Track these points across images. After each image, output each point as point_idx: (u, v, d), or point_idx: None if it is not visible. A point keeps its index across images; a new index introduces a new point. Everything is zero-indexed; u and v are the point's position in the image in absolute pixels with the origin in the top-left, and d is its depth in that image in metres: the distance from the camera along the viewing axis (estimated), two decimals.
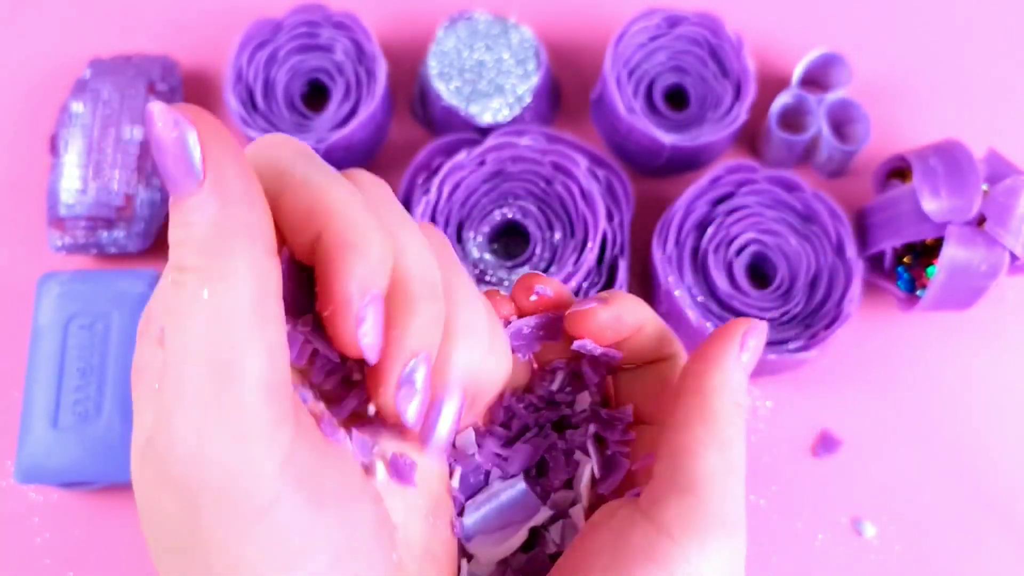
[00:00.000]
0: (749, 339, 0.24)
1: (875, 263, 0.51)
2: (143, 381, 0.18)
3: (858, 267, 0.48)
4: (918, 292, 0.49)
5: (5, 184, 0.54)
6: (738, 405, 0.24)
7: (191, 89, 0.56)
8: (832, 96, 0.53)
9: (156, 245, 0.52)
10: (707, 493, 0.22)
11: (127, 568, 0.48)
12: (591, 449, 0.25)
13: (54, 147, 0.51)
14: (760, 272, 0.51)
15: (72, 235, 0.50)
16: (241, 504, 0.17)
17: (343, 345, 0.20)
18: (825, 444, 0.50)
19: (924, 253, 0.49)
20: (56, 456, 0.45)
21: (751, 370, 0.25)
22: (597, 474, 0.25)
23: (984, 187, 0.47)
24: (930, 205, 0.46)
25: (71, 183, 0.50)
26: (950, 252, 0.46)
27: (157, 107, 0.17)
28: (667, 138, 0.50)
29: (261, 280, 0.17)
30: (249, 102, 0.51)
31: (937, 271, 0.46)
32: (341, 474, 0.19)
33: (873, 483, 0.49)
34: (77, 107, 0.51)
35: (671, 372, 0.26)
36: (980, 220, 0.47)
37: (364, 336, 0.19)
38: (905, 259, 0.50)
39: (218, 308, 0.17)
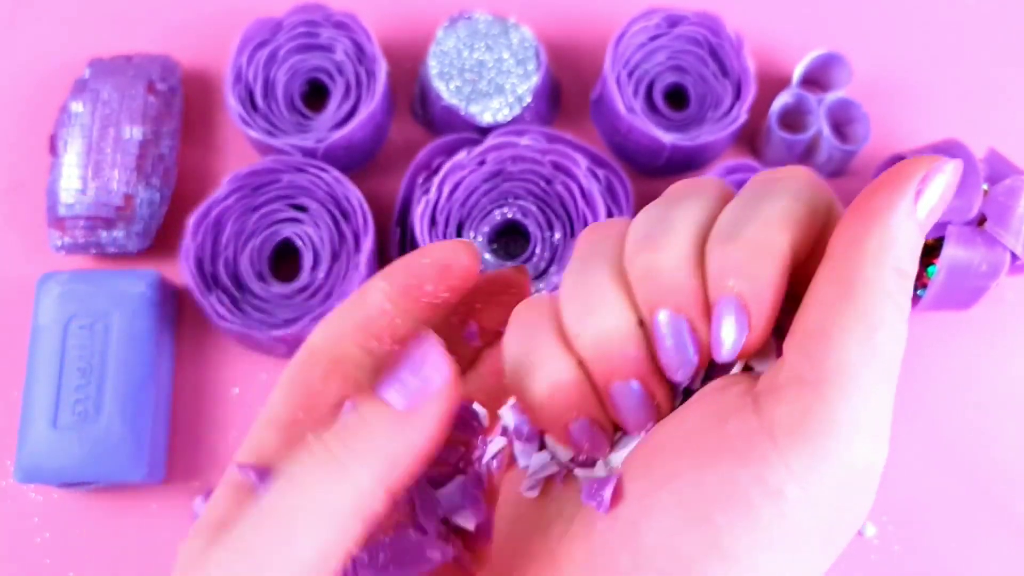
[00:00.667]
0: (930, 182, 0.18)
1: None
2: None
3: None
4: (918, 292, 0.49)
5: (5, 184, 0.54)
6: (901, 273, 0.18)
7: (191, 89, 0.56)
8: (832, 96, 0.53)
9: (155, 245, 0.52)
10: (834, 389, 0.17)
11: (127, 568, 0.47)
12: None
13: (54, 147, 0.51)
14: None
15: (72, 235, 0.50)
16: None
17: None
18: None
19: (924, 253, 0.49)
20: (56, 456, 0.45)
21: (928, 227, 0.19)
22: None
23: (984, 187, 0.47)
24: None
25: (71, 183, 0.49)
26: (950, 252, 0.46)
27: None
28: (667, 138, 0.50)
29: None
30: (249, 102, 0.51)
31: (937, 271, 0.46)
32: None
33: None
34: (77, 107, 0.51)
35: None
36: (980, 220, 0.47)
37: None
38: None
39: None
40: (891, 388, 0.18)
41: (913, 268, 0.19)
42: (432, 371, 0.18)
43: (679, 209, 0.20)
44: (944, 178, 0.18)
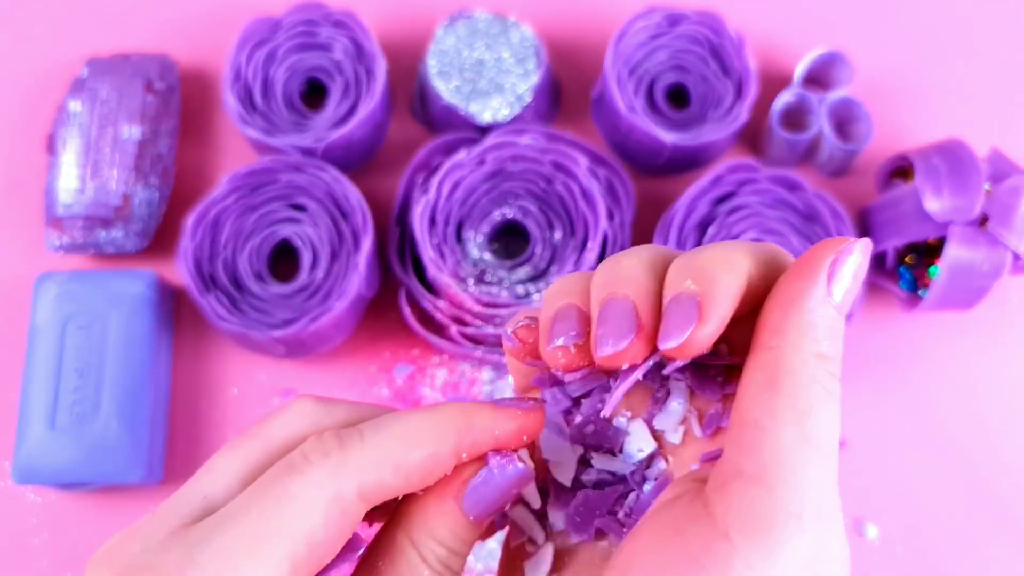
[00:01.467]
0: (840, 266, 0.19)
1: (877, 263, 0.51)
2: None
3: None
4: (920, 292, 0.49)
5: (3, 183, 0.54)
6: (823, 357, 0.19)
7: (189, 88, 0.55)
8: (834, 95, 0.53)
9: (154, 245, 0.51)
10: (775, 481, 0.18)
11: None
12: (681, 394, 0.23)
13: (51, 146, 0.51)
14: None
15: (70, 235, 0.49)
16: None
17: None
18: None
19: (926, 253, 0.49)
20: (53, 457, 0.45)
21: (848, 307, 0.19)
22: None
23: (986, 187, 0.47)
24: (933, 205, 0.46)
25: (69, 183, 0.49)
26: (953, 252, 0.45)
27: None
28: (668, 137, 0.50)
29: None
30: (248, 101, 0.51)
31: (940, 271, 0.46)
32: None
33: (875, 484, 0.49)
34: (75, 106, 0.51)
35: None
36: (983, 220, 0.46)
37: None
38: (907, 259, 0.50)
39: None
40: (831, 471, 0.19)
41: (835, 350, 0.19)
42: None
43: (643, 249, 0.22)
44: (854, 259, 0.19)
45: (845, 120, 0.54)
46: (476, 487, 0.21)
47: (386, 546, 0.21)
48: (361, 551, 0.21)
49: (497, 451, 0.21)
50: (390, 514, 0.22)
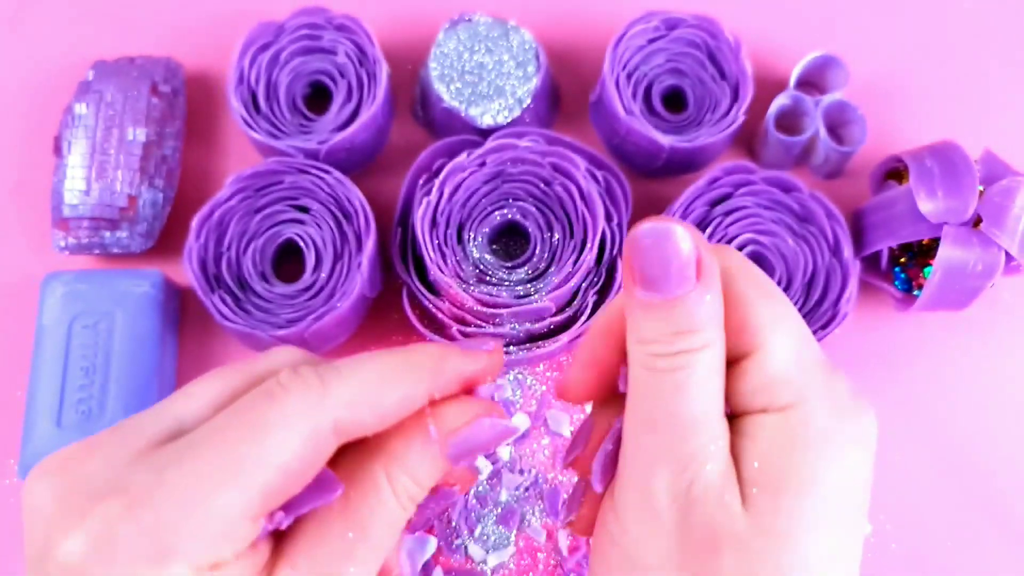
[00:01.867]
0: (633, 261, 0.22)
1: (871, 263, 0.52)
2: None
3: (855, 267, 0.49)
4: (915, 292, 0.50)
5: (9, 185, 0.54)
6: (641, 342, 0.22)
7: (194, 91, 0.56)
8: (829, 98, 0.53)
9: (159, 245, 0.52)
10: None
11: None
12: None
13: (58, 148, 0.52)
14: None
15: (76, 235, 0.50)
16: None
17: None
18: None
19: (920, 253, 0.50)
20: None
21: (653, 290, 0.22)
22: None
23: (979, 188, 0.47)
24: (926, 206, 0.47)
25: (75, 184, 0.50)
26: (946, 253, 0.46)
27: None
28: (665, 140, 0.51)
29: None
30: (251, 104, 0.52)
31: (933, 271, 0.47)
32: None
33: (873, 482, 0.50)
34: (80, 108, 0.51)
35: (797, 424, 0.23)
36: (976, 221, 0.47)
37: None
38: (902, 259, 0.50)
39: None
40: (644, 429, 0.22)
41: (652, 333, 0.22)
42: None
43: None
44: (640, 249, 0.21)
45: (840, 123, 0.54)
46: (465, 439, 0.22)
47: (359, 477, 0.22)
48: (337, 495, 0.21)
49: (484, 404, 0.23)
50: (360, 446, 0.23)
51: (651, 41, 0.53)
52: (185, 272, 0.48)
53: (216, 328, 0.51)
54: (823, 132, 0.53)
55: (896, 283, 0.50)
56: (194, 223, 0.48)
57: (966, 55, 0.58)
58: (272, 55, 0.52)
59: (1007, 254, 0.46)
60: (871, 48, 0.58)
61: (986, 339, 0.53)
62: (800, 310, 0.49)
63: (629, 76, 0.53)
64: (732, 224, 0.50)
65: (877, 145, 0.55)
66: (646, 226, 0.21)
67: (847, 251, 0.49)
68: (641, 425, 0.21)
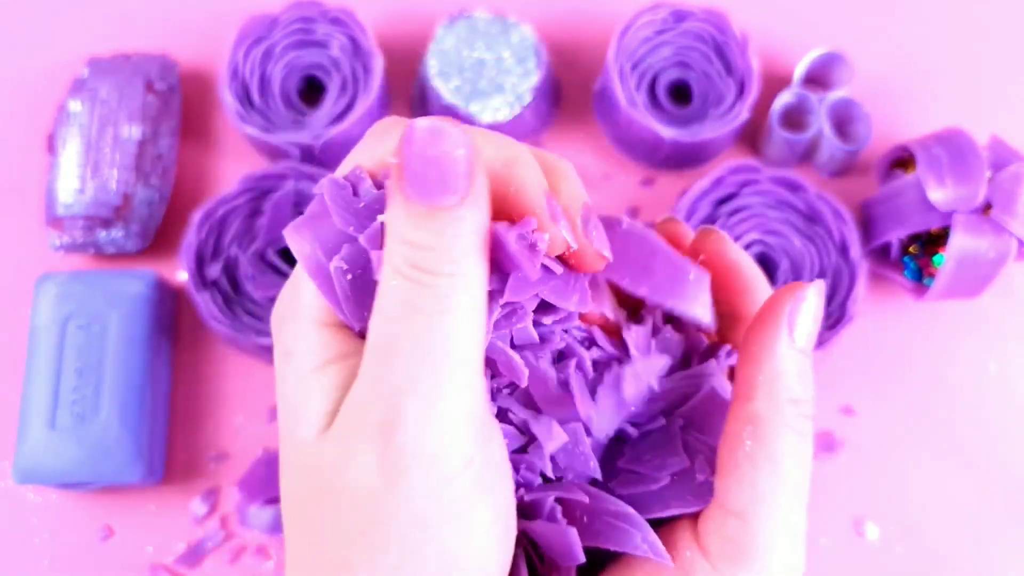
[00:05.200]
0: (797, 315, 0.21)
1: (881, 254, 0.51)
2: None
3: (862, 267, 0.48)
4: (925, 281, 0.49)
5: (3, 184, 0.54)
6: (795, 403, 0.21)
7: (189, 88, 0.55)
8: (833, 95, 0.53)
9: (154, 245, 0.51)
10: (752, 516, 0.20)
11: (126, 569, 0.47)
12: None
13: (52, 146, 0.51)
14: (764, 273, 0.50)
15: (70, 234, 0.49)
16: (450, 464, 0.19)
17: (585, 249, 0.21)
18: (824, 444, 0.49)
19: (930, 242, 0.49)
20: (54, 457, 0.45)
21: (811, 348, 0.21)
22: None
23: (987, 174, 0.47)
24: (936, 194, 0.46)
25: (69, 182, 0.49)
26: (958, 241, 0.45)
27: (448, 127, 0.19)
28: (667, 132, 0.50)
29: (485, 284, 0.19)
30: (245, 98, 0.51)
31: (946, 260, 0.46)
32: (498, 434, 0.21)
33: (877, 481, 0.49)
34: (75, 106, 0.51)
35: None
36: (986, 208, 0.46)
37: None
38: (911, 248, 0.50)
39: (467, 311, 0.19)
40: (801, 505, 0.21)
41: (806, 392, 0.21)
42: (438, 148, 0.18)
43: None
44: (810, 304, 0.21)
45: (844, 120, 0.54)
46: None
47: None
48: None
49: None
50: None
51: (659, 32, 0.53)
52: (180, 265, 0.47)
53: (210, 328, 0.51)
54: (828, 130, 0.52)
55: (906, 273, 0.50)
56: (197, 217, 0.48)
57: (973, 52, 0.58)
58: (265, 49, 0.52)
59: (1019, 240, 0.46)
60: (876, 45, 0.57)
61: (999, 326, 0.52)
62: None
63: (634, 67, 0.52)
64: (737, 224, 0.49)
65: (882, 143, 0.54)
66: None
67: (854, 251, 0.48)
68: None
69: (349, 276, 0.20)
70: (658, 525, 0.22)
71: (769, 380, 0.21)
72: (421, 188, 0.18)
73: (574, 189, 0.22)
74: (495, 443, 0.20)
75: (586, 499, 0.22)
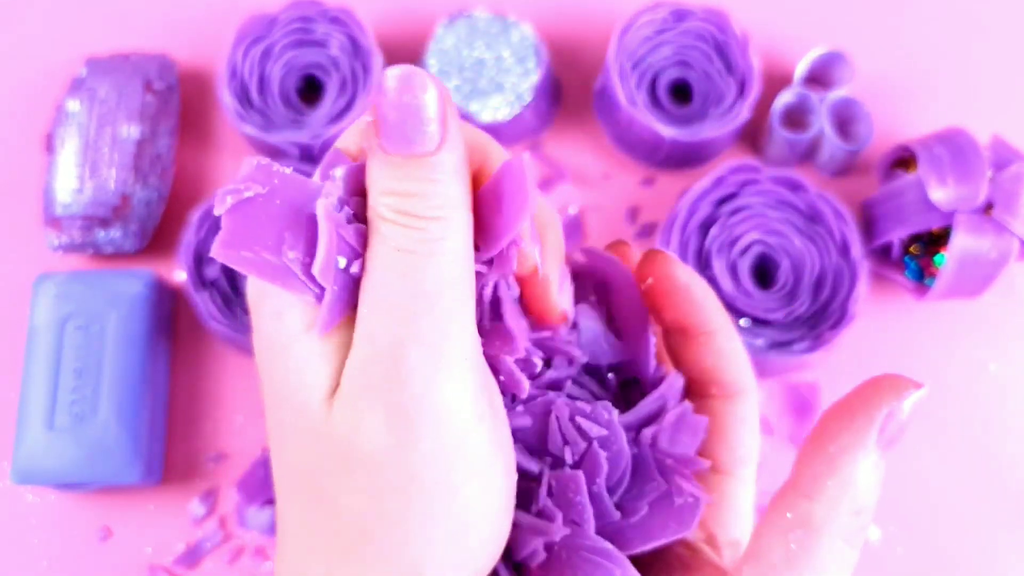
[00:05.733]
0: (893, 422, 0.18)
1: (882, 254, 0.51)
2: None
3: (863, 267, 0.48)
4: (926, 281, 0.49)
5: (1, 183, 0.54)
6: (858, 514, 0.18)
7: (187, 88, 0.55)
8: (834, 95, 0.52)
9: (152, 245, 0.51)
10: None
11: (124, 570, 0.47)
12: None
13: (50, 146, 0.51)
14: (764, 273, 0.50)
15: (68, 234, 0.49)
16: (464, 419, 0.18)
17: (553, 307, 0.22)
18: None
19: (931, 242, 0.49)
20: (52, 457, 0.45)
21: (886, 455, 0.18)
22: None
23: (988, 174, 0.47)
24: (937, 194, 0.46)
25: (67, 182, 0.49)
26: (960, 241, 0.45)
27: (418, 73, 0.19)
28: (667, 131, 0.50)
29: (471, 227, 0.19)
30: (244, 98, 0.51)
31: (947, 260, 0.46)
32: (498, 394, 0.20)
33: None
34: (73, 105, 0.50)
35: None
36: (987, 207, 0.46)
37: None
38: (912, 248, 0.50)
39: (458, 253, 0.18)
40: None
41: (872, 500, 0.19)
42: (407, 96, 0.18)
43: None
44: (907, 411, 0.18)
45: (845, 120, 0.53)
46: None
47: None
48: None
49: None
50: None
51: (659, 32, 0.52)
52: (179, 265, 0.47)
53: (209, 328, 0.51)
54: (829, 129, 0.52)
55: (907, 273, 0.50)
56: (195, 217, 0.48)
57: (971, 52, 0.57)
58: (264, 49, 0.51)
59: (1020, 240, 0.46)
60: (877, 44, 0.57)
61: (1001, 326, 0.52)
62: (808, 311, 0.48)
63: (635, 66, 0.52)
64: (738, 224, 0.49)
65: (883, 142, 0.54)
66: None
67: (855, 251, 0.48)
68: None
69: (307, 260, 0.19)
70: (640, 561, 0.21)
71: (839, 487, 0.18)
72: (399, 138, 0.18)
73: (556, 242, 0.22)
74: (498, 399, 0.20)
75: (566, 531, 0.21)
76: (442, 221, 0.18)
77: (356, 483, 0.18)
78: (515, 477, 0.20)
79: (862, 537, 0.19)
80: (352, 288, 0.19)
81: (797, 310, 0.48)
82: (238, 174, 0.19)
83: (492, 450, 0.19)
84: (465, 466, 0.18)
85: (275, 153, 0.51)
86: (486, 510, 0.19)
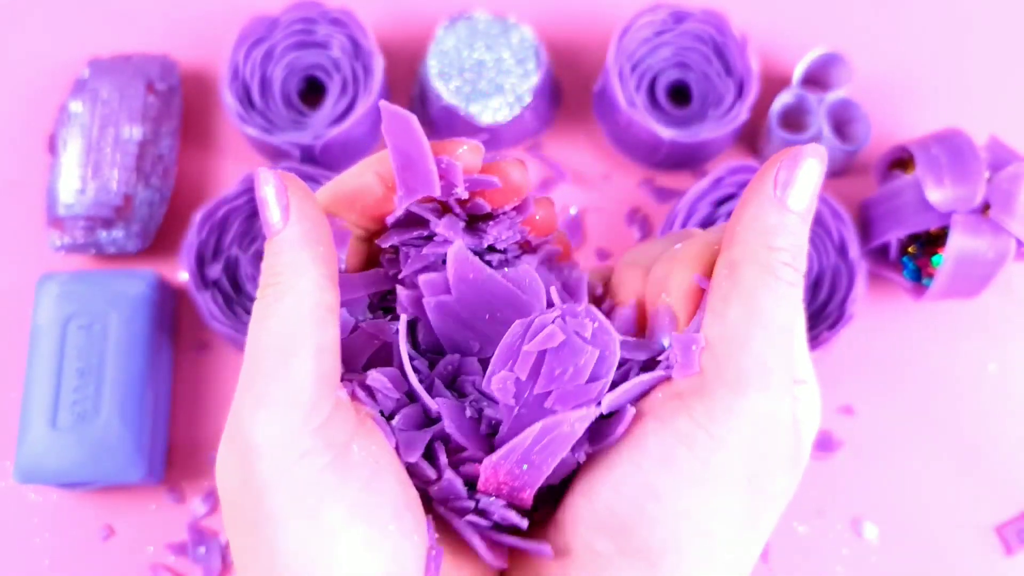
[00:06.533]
0: (792, 174, 0.22)
1: (880, 254, 0.51)
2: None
3: (861, 268, 0.48)
4: (924, 281, 0.49)
5: (4, 184, 0.54)
6: (773, 249, 0.21)
7: (190, 88, 0.55)
8: (833, 96, 0.53)
9: (154, 245, 0.51)
10: (721, 351, 0.21)
11: (126, 569, 0.47)
12: None
13: (53, 147, 0.51)
14: None
15: (71, 235, 0.50)
16: (282, 453, 0.21)
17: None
18: (824, 444, 0.49)
19: (929, 242, 0.49)
20: (55, 456, 0.45)
21: (803, 208, 0.21)
22: None
23: (986, 174, 0.47)
24: (935, 195, 0.46)
25: (70, 183, 0.49)
26: (957, 241, 0.46)
27: (263, 172, 0.23)
28: (666, 133, 0.50)
29: (321, 296, 0.22)
30: (246, 99, 0.51)
31: (945, 260, 0.46)
32: (369, 452, 0.22)
33: (876, 481, 0.49)
34: (76, 107, 0.51)
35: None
36: (985, 208, 0.46)
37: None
38: (910, 249, 0.50)
39: (296, 311, 0.22)
40: (778, 347, 0.21)
41: (788, 242, 0.21)
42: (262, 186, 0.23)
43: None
44: (809, 168, 0.21)
45: (843, 121, 0.54)
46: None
47: None
48: None
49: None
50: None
51: (658, 33, 0.53)
52: (181, 265, 0.47)
53: (211, 328, 0.51)
54: (827, 130, 0.52)
55: (905, 273, 0.50)
56: (198, 218, 0.48)
57: (969, 53, 0.58)
58: (266, 50, 0.52)
59: (1017, 240, 0.46)
60: (875, 45, 0.57)
61: (998, 326, 0.52)
62: (806, 311, 0.49)
63: (634, 68, 0.52)
64: None
65: (881, 143, 0.54)
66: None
67: (853, 251, 0.48)
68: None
69: None
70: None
71: (745, 228, 0.21)
72: (264, 224, 0.23)
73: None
74: (355, 441, 0.22)
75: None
76: (279, 287, 0.22)
77: (237, 521, 0.22)
78: (388, 514, 0.21)
79: (791, 275, 0.21)
80: None
81: None
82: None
83: (331, 488, 0.21)
84: (296, 504, 0.20)
85: (277, 154, 0.51)
86: (327, 553, 0.21)
